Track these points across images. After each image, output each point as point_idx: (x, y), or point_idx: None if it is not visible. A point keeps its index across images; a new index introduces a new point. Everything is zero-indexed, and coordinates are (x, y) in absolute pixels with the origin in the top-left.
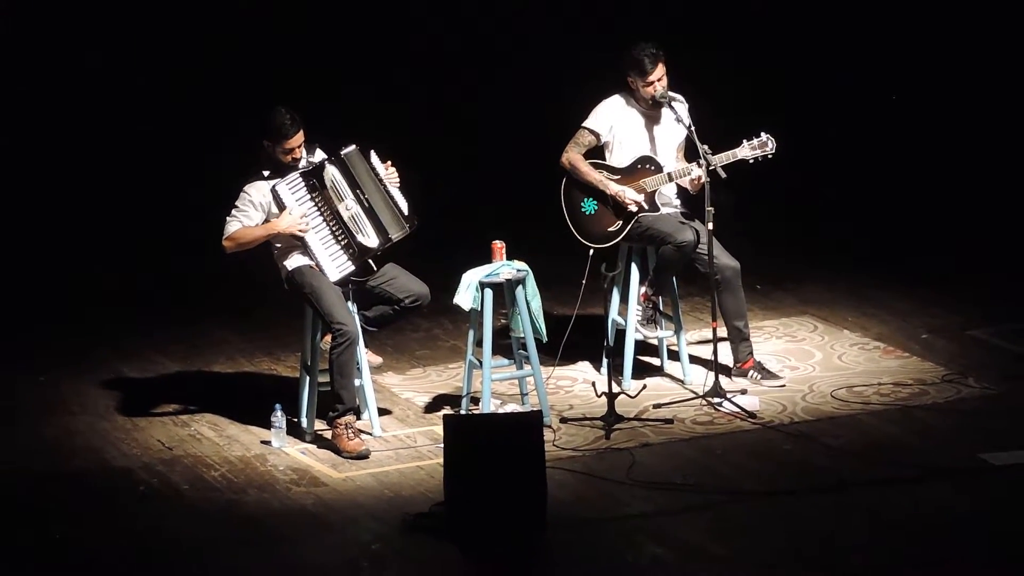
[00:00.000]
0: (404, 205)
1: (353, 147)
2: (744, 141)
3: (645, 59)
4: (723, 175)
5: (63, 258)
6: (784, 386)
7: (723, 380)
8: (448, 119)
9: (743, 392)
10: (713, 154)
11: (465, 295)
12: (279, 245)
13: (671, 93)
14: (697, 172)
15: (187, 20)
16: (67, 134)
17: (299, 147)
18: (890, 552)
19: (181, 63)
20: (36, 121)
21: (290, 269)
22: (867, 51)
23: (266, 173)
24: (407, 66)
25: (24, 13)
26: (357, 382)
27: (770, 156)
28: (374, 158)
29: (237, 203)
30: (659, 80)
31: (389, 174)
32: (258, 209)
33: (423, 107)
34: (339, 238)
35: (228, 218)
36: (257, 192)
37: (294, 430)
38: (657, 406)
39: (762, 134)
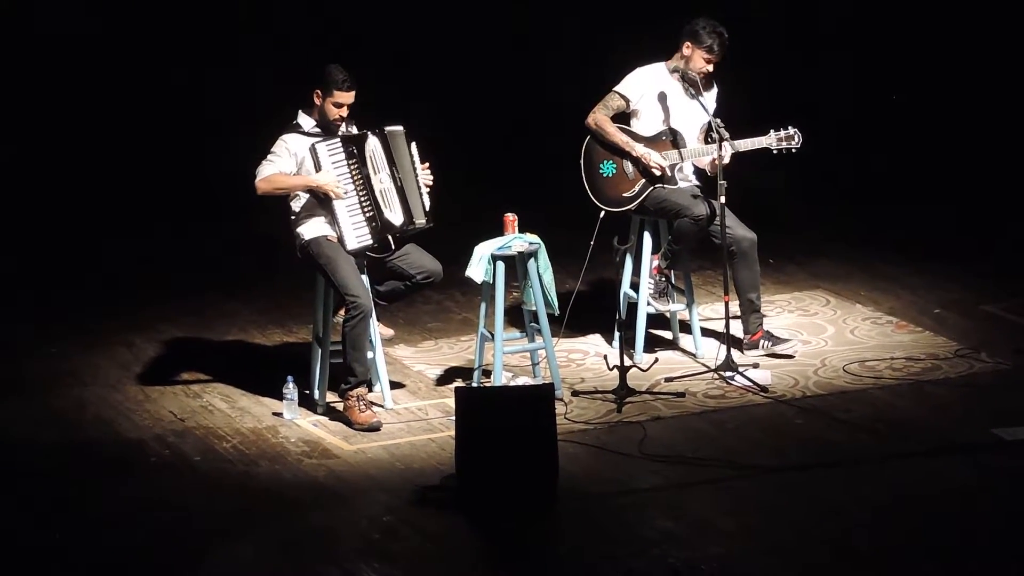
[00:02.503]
0: (427, 204)
1: (400, 128)
2: (771, 131)
3: (715, 39)
4: (733, 150)
5: (74, 228)
6: (795, 352)
7: (735, 354)
8: (460, 91)
9: (755, 366)
10: (736, 138)
11: (477, 268)
12: (299, 211)
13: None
14: (714, 152)
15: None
16: (76, 101)
17: (348, 106)
18: (901, 526)
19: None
20: (44, 88)
21: (306, 238)
22: (879, 42)
23: (305, 127)
24: (417, 33)
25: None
26: (369, 355)
27: (794, 150)
28: (414, 149)
29: (273, 149)
30: (717, 60)
31: (424, 173)
32: (292, 158)
33: (434, 79)
34: (366, 209)
35: (264, 162)
36: (294, 142)
37: (306, 402)
38: (669, 379)
39: (790, 127)
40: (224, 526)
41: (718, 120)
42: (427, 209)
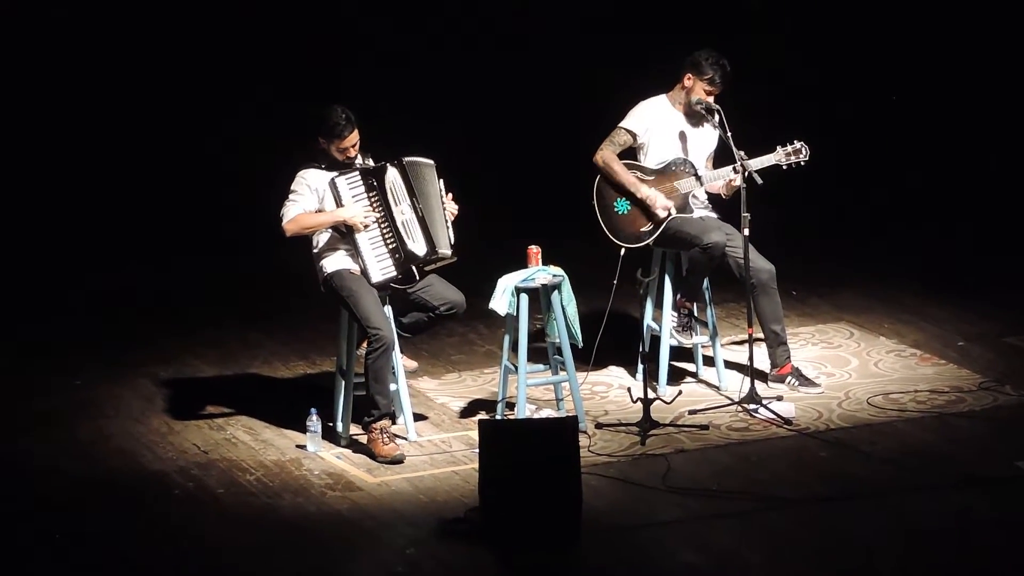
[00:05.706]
0: (453, 237)
1: (429, 160)
2: (778, 147)
3: (717, 70)
4: (759, 181)
5: (98, 260)
6: (822, 393)
7: (759, 386)
8: (484, 123)
9: (779, 398)
10: (748, 158)
11: (501, 300)
12: (321, 244)
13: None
14: (729, 175)
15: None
16: (100, 133)
17: (354, 146)
18: (925, 560)
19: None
20: (68, 119)
21: (329, 271)
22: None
23: (323, 165)
24: (439, 64)
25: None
26: (393, 387)
27: (803, 163)
28: (441, 183)
29: (293, 187)
30: (718, 92)
31: (448, 204)
32: (313, 193)
33: (457, 111)
34: (388, 241)
35: (286, 203)
36: (314, 178)
37: (329, 434)
38: (692, 412)
39: (796, 141)
40: (246, 559)
41: (741, 152)
42: (452, 242)
